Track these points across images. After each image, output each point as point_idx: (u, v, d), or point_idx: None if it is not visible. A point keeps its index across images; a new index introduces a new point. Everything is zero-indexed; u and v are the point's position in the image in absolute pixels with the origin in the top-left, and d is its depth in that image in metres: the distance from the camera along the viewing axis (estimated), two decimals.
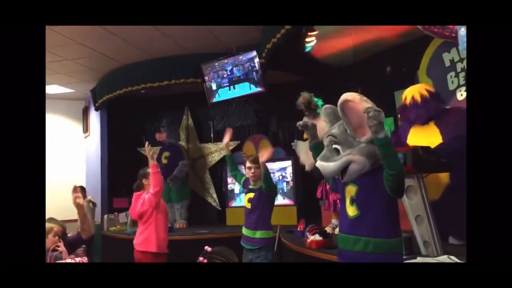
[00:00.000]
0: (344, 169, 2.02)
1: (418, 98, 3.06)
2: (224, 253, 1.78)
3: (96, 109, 6.42)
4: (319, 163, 2.08)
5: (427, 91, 3.11)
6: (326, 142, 2.13)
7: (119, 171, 6.22)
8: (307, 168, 4.28)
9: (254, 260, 3.38)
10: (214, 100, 5.37)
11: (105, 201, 6.21)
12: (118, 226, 5.39)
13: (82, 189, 6.10)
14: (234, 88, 5.13)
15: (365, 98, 1.97)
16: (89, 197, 5.29)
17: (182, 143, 6.22)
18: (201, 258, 1.73)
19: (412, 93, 3.13)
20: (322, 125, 4.04)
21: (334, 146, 2.05)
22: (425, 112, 3.07)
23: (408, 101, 3.13)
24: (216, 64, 5.14)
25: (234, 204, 5.56)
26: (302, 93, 4.14)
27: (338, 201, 4.00)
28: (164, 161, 5.69)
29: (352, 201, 2.05)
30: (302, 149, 4.40)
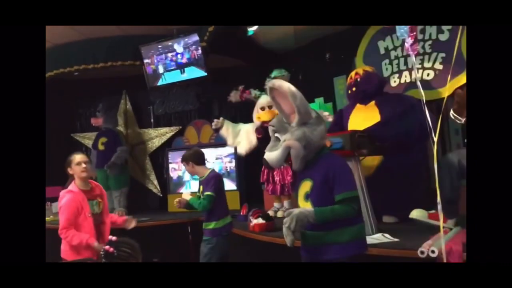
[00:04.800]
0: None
1: (360, 72, 3.44)
2: (131, 244, 1.81)
3: None
4: (266, 154, 2.07)
5: (370, 70, 3.51)
6: (270, 132, 2.14)
7: (52, 158, 5.87)
8: (240, 151, 4.28)
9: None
10: (159, 83, 5.19)
11: None
12: (51, 216, 5.11)
13: None
14: (183, 71, 4.99)
15: (287, 84, 1.98)
16: None
17: (121, 128, 5.98)
18: (107, 247, 1.75)
19: (355, 70, 3.54)
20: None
21: (275, 135, 2.07)
22: (367, 84, 3.37)
23: (353, 76, 3.48)
24: (160, 46, 4.97)
25: (182, 190, 5.41)
26: (232, 93, 4.18)
27: (287, 184, 4.01)
28: (101, 147, 5.44)
29: (307, 197, 2.02)
30: (229, 129, 4.30)
